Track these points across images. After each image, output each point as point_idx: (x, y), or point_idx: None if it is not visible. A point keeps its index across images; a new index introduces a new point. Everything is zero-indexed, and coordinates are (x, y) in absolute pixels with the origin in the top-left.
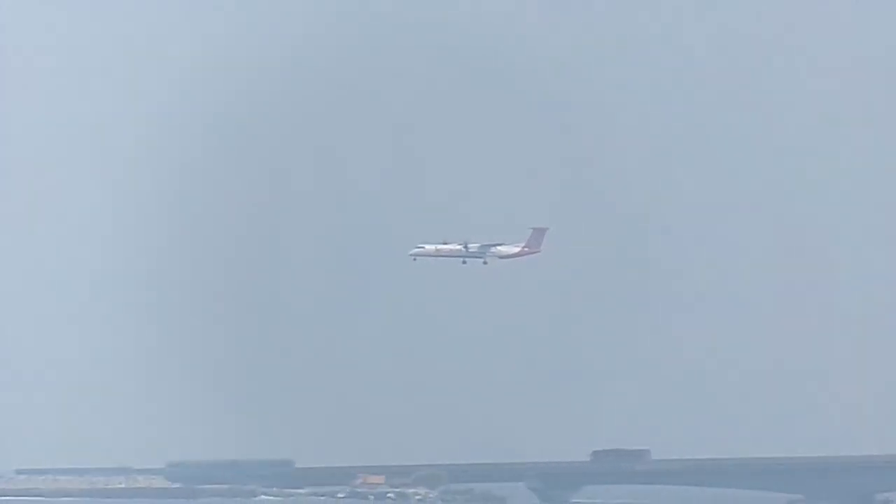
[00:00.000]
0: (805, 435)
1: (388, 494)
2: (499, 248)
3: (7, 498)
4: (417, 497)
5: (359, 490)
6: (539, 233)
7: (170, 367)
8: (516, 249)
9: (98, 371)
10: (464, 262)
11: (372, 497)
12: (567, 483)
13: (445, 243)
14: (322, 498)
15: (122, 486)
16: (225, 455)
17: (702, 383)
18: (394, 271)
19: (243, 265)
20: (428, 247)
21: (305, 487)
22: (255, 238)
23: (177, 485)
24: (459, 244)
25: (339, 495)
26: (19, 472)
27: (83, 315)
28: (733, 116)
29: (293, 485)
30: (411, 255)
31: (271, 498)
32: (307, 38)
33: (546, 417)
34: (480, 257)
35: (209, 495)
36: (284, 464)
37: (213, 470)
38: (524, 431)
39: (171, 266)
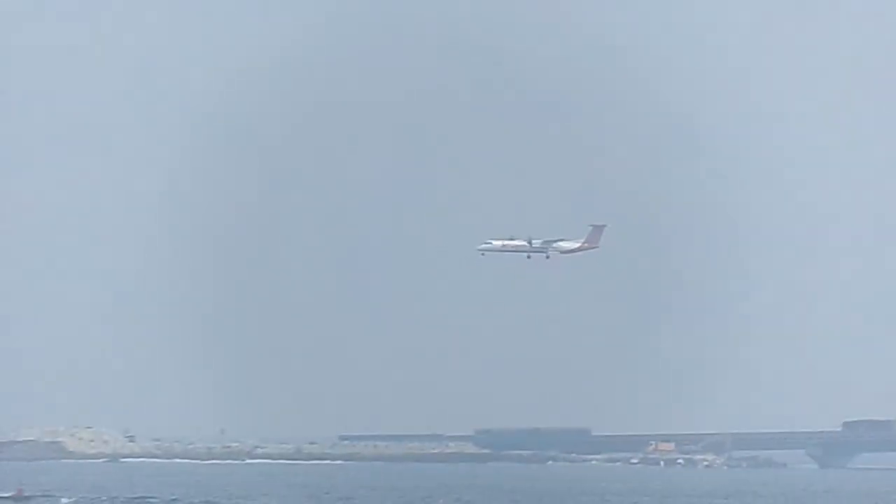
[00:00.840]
0: None
1: (678, 461)
2: (560, 243)
3: (331, 462)
4: (705, 463)
5: (651, 456)
6: (597, 230)
7: (475, 341)
8: (576, 245)
9: (413, 345)
10: (528, 257)
11: (662, 463)
12: (844, 450)
13: (512, 239)
14: (617, 464)
15: (436, 451)
16: (527, 423)
17: None
18: (468, 265)
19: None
20: (495, 243)
21: (601, 454)
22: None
23: (484, 450)
24: (524, 240)
25: (633, 461)
26: (342, 437)
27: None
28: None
29: (590, 451)
30: (479, 250)
31: (569, 464)
32: (354, 39)
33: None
34: (543, 252)
35: (513, 460)
36: (582, 432)
37: (517, 437)
38: (800, 402)
39: None
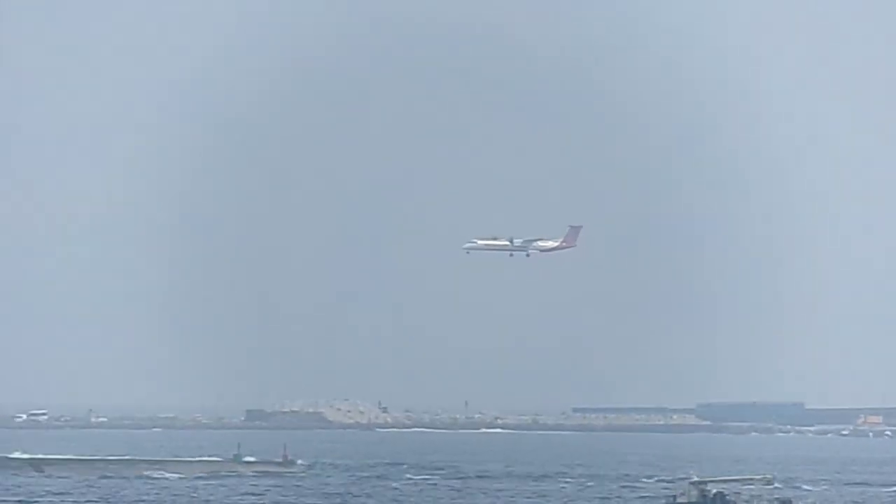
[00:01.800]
0: None
1: (886, 432)
2: (539, 242)
3: (563, 432)
4: None
5: (860, 428)
6: (575, 230)
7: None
8: (555, 244)
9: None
10: (511, 255)
11: (871, 434)
12: None
13: (495, 239)
14: (828, 435)
15: (660, 422)
16: (747, 398)
17: None
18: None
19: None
20: (479, 242)
21: (814, 426)
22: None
23: (706, 422)
24: (506, 239)
25: (843, 433)
26: (575, 409)
27: None
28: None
29: (804, 423)
30: (464, 248)
31: (786, 434)
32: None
33: None
34: (524, 251)
35: (733, 432)
36: (796, 406)
37: (737, 410)
38: None
39: None
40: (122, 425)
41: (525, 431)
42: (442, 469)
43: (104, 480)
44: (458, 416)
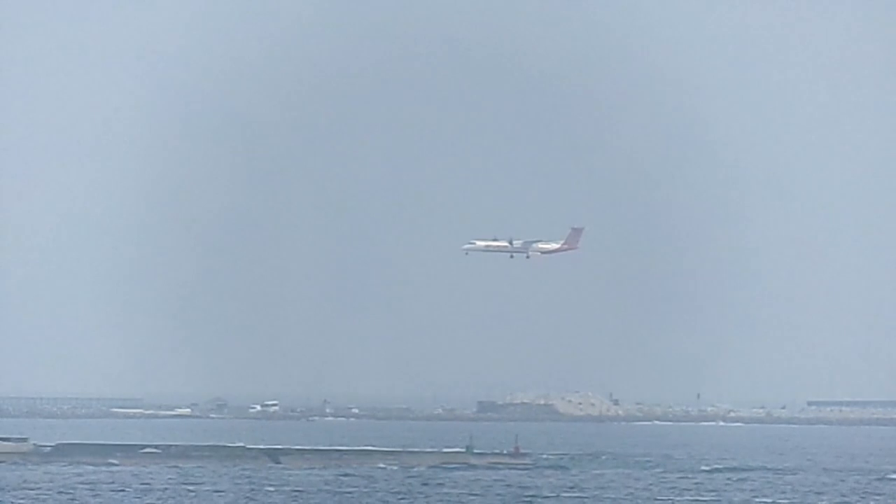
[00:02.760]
0: None
1: None
2: (540, 244)
3: (797, 426)
4: None
5: None
6: (576, 232)
7: None
8: (556, 246)
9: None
10: (511, 257)
11: None
12: None
13: (495, 240)
14: None
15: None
16: None
17: None
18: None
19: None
20: (479, 243)
21: None
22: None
23: None
24: (505, 241)
25: None
26: (810, 403)
27: None
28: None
29: None
30: (464, 249)
31: None
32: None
33: None
34: (524, 252)
35: None
36: None
37: None
38: None
39: None
40: (350, 414)
41: (758, 425)
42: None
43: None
44: (689, 408)
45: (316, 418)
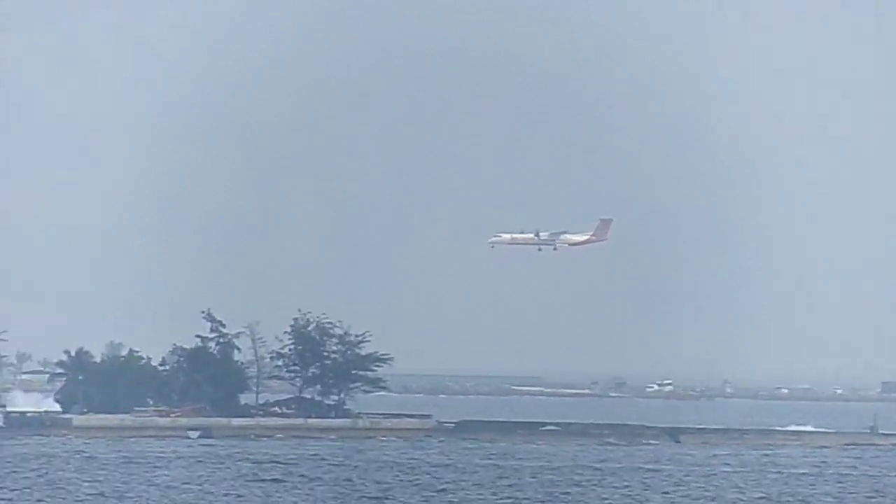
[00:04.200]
0: None
1: None
2: (568, 236)
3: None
4: None
5: None
6: (605, 223)
7: None
8: (584, 238)
9: None
10: (539, 250)
11: None
12: None
13: (522, 232)
14: None
15: None
16: None
17: None
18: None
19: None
20: (504, 236)
21: None
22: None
23: None
24: (532, 233)
25: None
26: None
27: None
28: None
29: None
30: (490, 243)
31: None
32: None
33: None
34: (551, 244)
35: None
36: None
37: None
38: None
39: None
40: (748, 395)
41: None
42: None
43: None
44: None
45: (717, 398)
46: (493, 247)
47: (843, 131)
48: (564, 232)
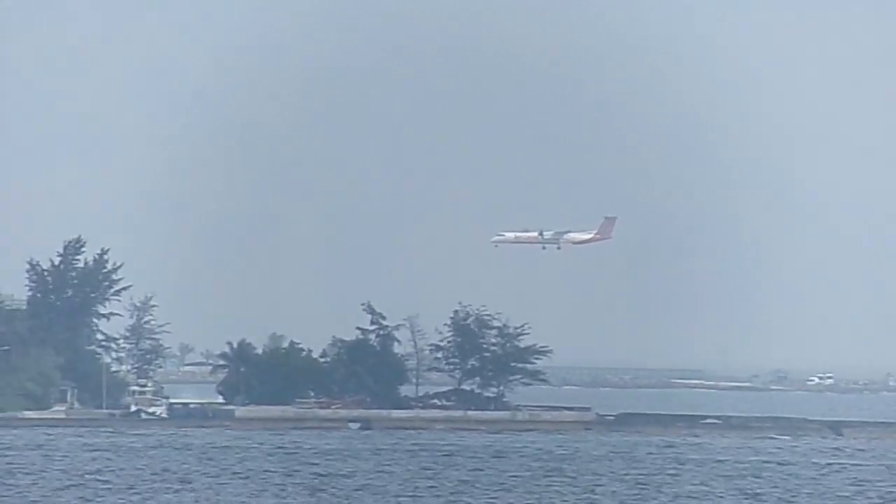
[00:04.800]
0: None
1: None
2: (571, 234)
3: None
4: None
5: None
6: (609, 221)
7: None
8: (588, 236)
9: None
10: (543, 248)
11: None
12: None
13: (526, 231)
14: None
15: None
16: None
17: None
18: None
19: None
20: (508, 234)
21: None
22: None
23: None
24: (535, 231)
25: None
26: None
27: None
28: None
29: None
30: (492, 242)
31: None
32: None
33: None
34: (555, 243)
35: None
36: None
37: None
38: None
39: None
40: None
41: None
42: None
43: None
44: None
45: (881, 392)
46: (496, 246)
47: (848, 128)
48: (568, 231)
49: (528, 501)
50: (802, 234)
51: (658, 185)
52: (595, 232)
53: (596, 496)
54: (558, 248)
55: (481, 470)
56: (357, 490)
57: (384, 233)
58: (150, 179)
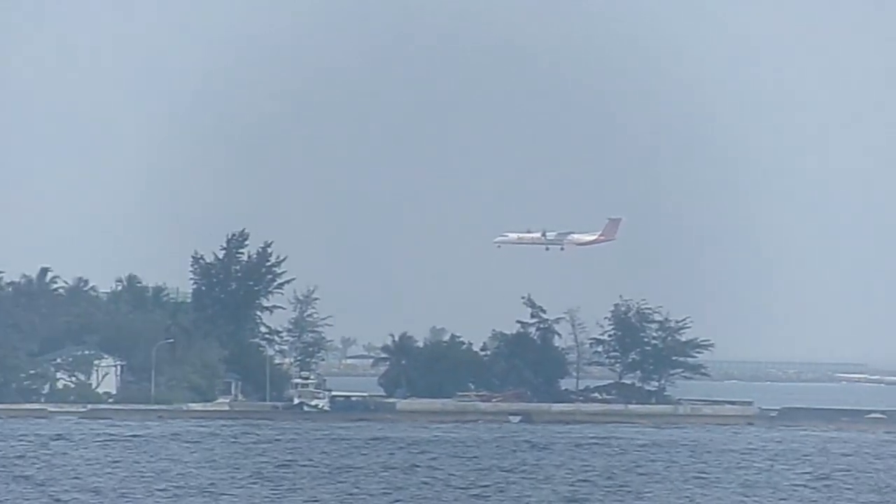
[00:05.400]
0: None
1: None
2: (575, 235)
3: None
4: None
5: None
6: (614, 222)
7: None
8: (592, 237)
9: None
10: (547, 249)
11: None
12: None
13: (529, 231)
14: None
15: None
16: None
17: None
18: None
19: None
20: (511, 235)
21: None
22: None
23: None
24: (538, 232)
25: None
26: None
27: None
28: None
29: None
30: (496, 242)
31: None
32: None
33: None
34: (559, 244)
35: None
36: None
37: None
38: None
39: None
40: None
41: None
42: None
43: None
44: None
45: None
46: (499, 247)
47: (853, 130)
48: (571, 232)
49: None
50: (808, 230)
51: (664, 186)
52: (599, 233)
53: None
54: (562, 249)
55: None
56: (526, 482)
57: None
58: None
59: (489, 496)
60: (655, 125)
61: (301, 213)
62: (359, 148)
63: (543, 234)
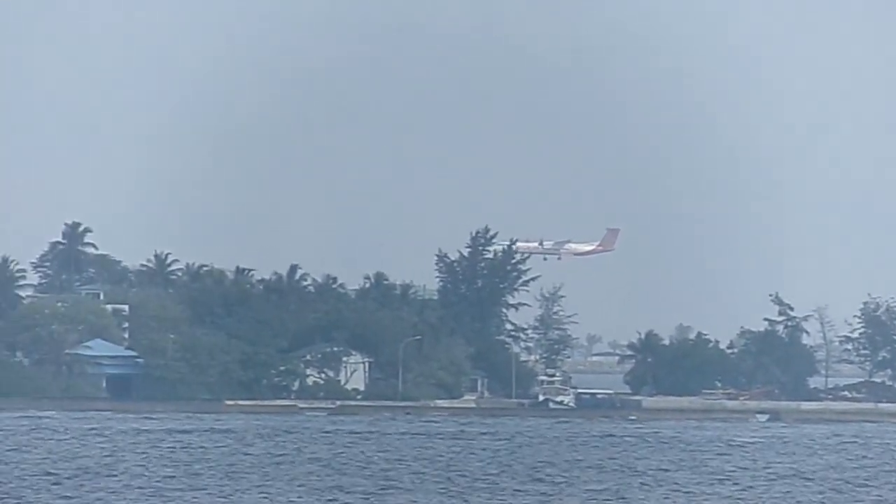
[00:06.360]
0: None
1: None
2: (572, 245)
3: None
4: None
5: None
6: (612, 233)
7: None
8: (590, 247)
9: None
10: (545, 259)
11: None
12: None
13: (526, 241)
14: None
15: None
16: None
17: None
18: None
19: None
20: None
21: None
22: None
23: None
24: (535, 242)
25: None
26: None
27: None
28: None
29: None
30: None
31: None
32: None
33: None
34: (555, 254)
35: None
36: None
37: None
38: None
39: None
40: None
41: None
42: None
43: None
44: None
45: None
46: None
47: (857, 133)
48: (569, 241)
49: None
50: (812, 234)
51: (664, 194)
52: (597, 243)
53: None
54: (559, 258)
55: None
56: None
57: None
58: None
59: None
60: (657, 133)
61: None
62: (359, 149)
63: (540, 243)
